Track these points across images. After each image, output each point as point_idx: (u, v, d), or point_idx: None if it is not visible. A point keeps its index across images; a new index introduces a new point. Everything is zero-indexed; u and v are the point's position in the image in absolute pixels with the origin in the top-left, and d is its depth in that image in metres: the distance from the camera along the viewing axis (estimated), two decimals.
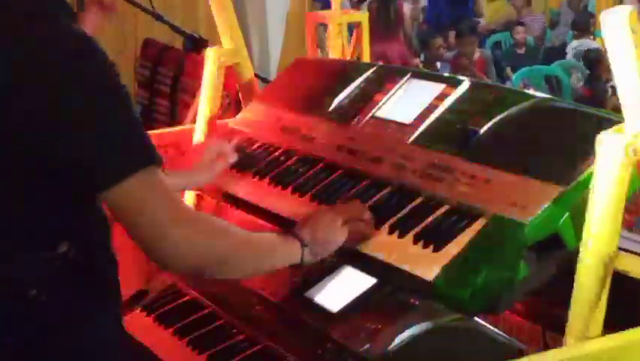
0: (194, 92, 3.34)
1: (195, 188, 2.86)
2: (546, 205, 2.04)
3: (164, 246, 1.92)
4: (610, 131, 1.88)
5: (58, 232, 1.96)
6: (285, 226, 2.37)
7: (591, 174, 1.92)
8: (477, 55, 10.08)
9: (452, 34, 10.68)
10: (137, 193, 1.88)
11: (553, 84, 9.28)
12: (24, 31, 1.93)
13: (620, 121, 1.91)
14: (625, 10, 1.85)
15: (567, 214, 2.02)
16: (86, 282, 2.01)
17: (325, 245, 2.24)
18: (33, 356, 2.03)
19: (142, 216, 1.89)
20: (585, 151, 1.96)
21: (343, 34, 3.60)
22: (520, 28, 11.25)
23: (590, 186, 1.91)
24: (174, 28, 3.22)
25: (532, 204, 2.06)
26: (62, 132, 1.87)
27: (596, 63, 8.91)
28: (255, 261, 2.24)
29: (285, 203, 2.56)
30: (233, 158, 2.79)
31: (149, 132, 3.41)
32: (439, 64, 9.71)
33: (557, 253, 2.05)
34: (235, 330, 2.55)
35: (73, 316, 2.02)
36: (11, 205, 1.94)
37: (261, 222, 2.59)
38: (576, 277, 1.89)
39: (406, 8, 11.70)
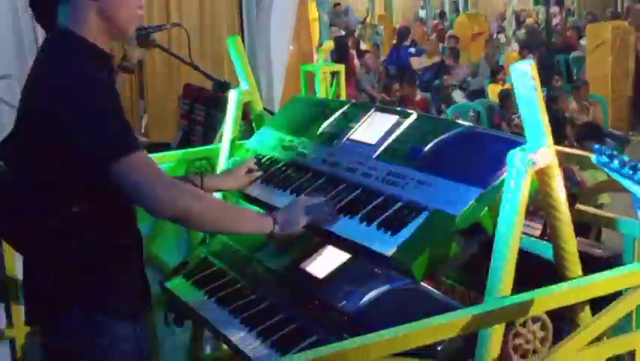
0: (218, 122, 3.32)
1: (225, 188, 2.80)
2: (471, 202, 2.05)
3: (152, 201, 1.95)
4: (517, 149, 1.89)
5: (76, 196, 2.00)
6: None
7: (504, 179, 1.93)
8: (419, 96, 10.12)
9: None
10: (129, 166, 1.91)
11: (476, 116, 9.33)
12: (52, 69, 1.99)
13: (523, 142, 1.92)
14: (529, 63, 1.87)
15: (486, 209, 2.03)
16: (94, 233, 2.03)
17: (290, 225, 2.26)
18: (55, 275, 2.06)
19: (134, 182, 1.92)
20: (499, 163, 1.98)
21: (327, 79, 3.60)
22: (446, 77, 11.28)
23: (503, 188, 1.92)
24: (206, 75, 3.20)
25: (461, 201, 2.07)
26: (76, 131, 1.93)
27: (505, 100, 9.00)
28: (228, 222, 2.27)
29: (284, 200, 2.56)
30: (258, 174, 2.77)
31: (188, 150, 3.42)
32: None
33: (479, 236, 2.06)
34: (249, 291, 2.56)
35: (84, 253, 2.05)
36: (48, 176, 2.01)
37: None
38: (493, 253, 1.90)
39: (370, 62, 11.70)
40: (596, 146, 1.76)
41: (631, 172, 1.62)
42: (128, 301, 2.16)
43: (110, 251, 2.09)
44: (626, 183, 1.69)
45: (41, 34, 4.12)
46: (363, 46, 12.91)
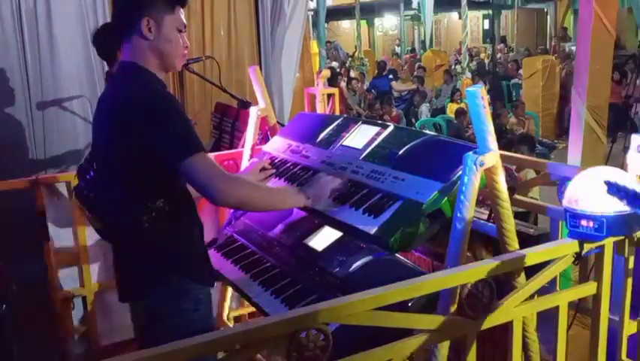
0: (243, 131, 3.32)
1: None
2: (434, 193, 2.05)
3: (215, 193, 1.92)
4: (470, 153, 1.89)
5: (157, 194, 1.99)
6: None
7: (459, 176, 1.94)
8: (394, 112, 10.10)
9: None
10: (195, 167, 1.89)
11: (439, 128, 9.32)
12: (125, 90, 1.99)
13: (475, 147, 1.92)
14: (479, 87, 1.88)
15: (446, 198, 2.04)
16: (175, 220, 2.04)
17: (318, 198, 2.26)
18: (147, 257, 2.05)
19: (200, 177, 1.90)
20: (456, 163, 1.98)
21: (325, 100, 3.60)
22: (416, 98, 11.31)
23: (459, 182, 1.93)
24: (232, 96, 3.22)
25: (427, 192, 2.07)
26: (156, 137, 1.92)
27: (461, 115, 9.00)
28: (274, 201, 2.25)
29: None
30: (271, 172, 2.76)
31: (219, 153, 3.41)
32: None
33: (440, 219, 2.06)
34: (265, 261, 2.56)
35: (172, 236, 2.05)
36: (133, 178, 2.00)
37: None
38: (451, 232, 1.91)
39: (356, 87, 11.69)
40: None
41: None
42: (202, 271, 2.17)
43: (184, 235, 2.09)
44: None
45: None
46: (353, 74, 12.88)
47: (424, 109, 10.86)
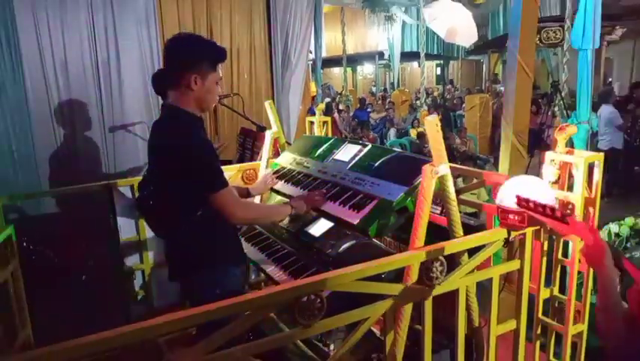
0: (260, 148, 3.31)
1: (258, 192, 2.83)
2: (401, 194, 2.05)
3: (231, 216, 1.95)
4: (428, 164, 1.88)
5: (197, 208, 1.96)
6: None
7: (420, 181, 1.92)
8: (371, 135, 10.07)
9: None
10: (219, 199, 1.91)
11: (404, 146, 9.28)
12: (172, 137, 1.95)
13: (431, 161, 1.91)
14: (434, 117, 1.87)
15: (410, 198, 2.03)
16: (211, 222, 1.98)
17: (299, 208, 2.26)
18: (194, 252, 2.03)
19: (222, 207, 1.92)
20: (418, 172, 1.96)
21: (321, 126, 3.59)
22: (387, 125, 11.29)
23: (419, 186, 1.92)
24: (252, 122, 3.20)
25: (396, 193, 2.07)
26: (193, 173, 1.90)
27: (421, 138, 8.96)
28: (271, 216, 2.32)
29: (296, 192, 2.55)
30: (274, 182, 2.78)
31: (243, 164, 3.39)
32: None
33: (406, 213, 2.05)
34: (277, 244, 2.55)
35: (210, 233, 2.02)
36: (177, 197, 1.97)
37: (286, 200, 2.57)
38: (414, 222, 1.89)
39: (344, 116, 11.69)
40: (518, 195, 1.63)
41: (540, 209, 1.52)
42: (237, 255, 2.16)
43: (219, 233, 2.05)
44: (538, 216, 1.55)
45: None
46: (341, 107, 12.86)
47: (392, 132, 10.84)
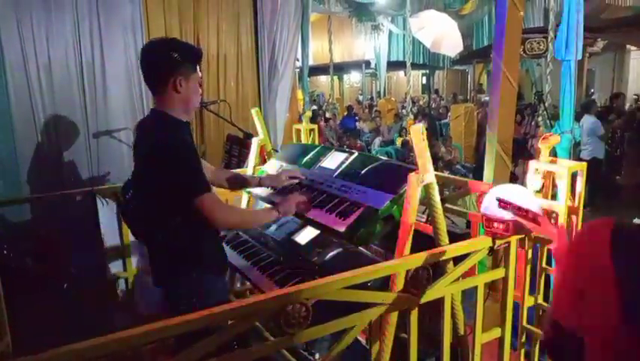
0: (246, 155, 3.29)
1: (270, 184, 2.64)
2: (387, 202, 2.04)
3: (213, 220, 1.89)
4: (413, 173, 1.89)
5: (178, 212, 1.92)
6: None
7: (406, 189, 1.93)
8: (359, 143, 10.08)
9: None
10: (201, 202, 1.85)
11: (390, 155, 9.32)
12: (156, 137, 1.92)
13: (416, 169, 1.92)
14: (420, 125, 1.88)
15: (396, 206, 2.03)
16: (194, 228, 1.95)
17: (286, 212, 2.18)
18: (176, 254, 1.99)
19: (205, 211, 1.86)
20: (403, 180, 1.97)
21: (307, 133, 3.58)
22: (372, 134, 11.35)
23: (405, 194, 1.92)
24: (239, 129, 3.18)
25: (382, 201, 2.06)
26: (176, 176, 1.87)
27: (406, 146, 9.02)
28: (255, 221, 2.26)
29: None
30: (294, 181, 2.61)
31: (233, 170, 3.36)
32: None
33: (392, 221, 2.05)
34: (262, 251, 2.52)
35: (191, 239, 1.97)
36: (159, 201, 1.93)
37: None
38: (399, 230, 1.89)
39: (331, 124, 11.73)
40: (499, 198, 1.81)
41: (518, 211, 1.72)
42: (219, 263, 2.10)
43: (199, 240, 2.00)
44: (519, 219, 1.77)
45: (146, 101, 4.12)
46: (328, 115, 12.89)
47: (377, 141, 10.87)
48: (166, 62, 1.91)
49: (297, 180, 2.58)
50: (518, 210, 1.69)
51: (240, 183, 2.56)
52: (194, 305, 1.89)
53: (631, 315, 0.93)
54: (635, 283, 0.94)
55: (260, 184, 2.60)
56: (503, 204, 1.73)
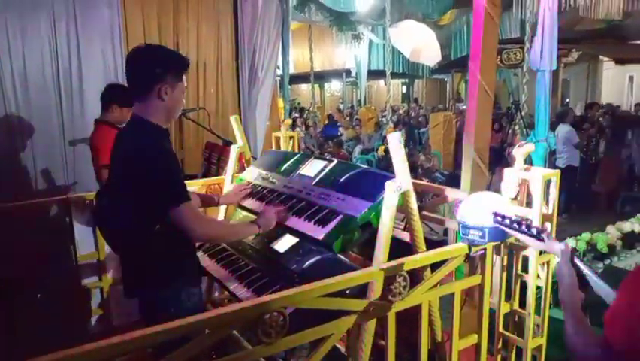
0: (226, 162, 3.27)
1: (229, 202, 2.80)
2: (365, 210, 2.05)
3: (192, 233, 1.87)
4: (391, 180, 1.90)
5: (155, 222, 1.89)
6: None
7: (383, 197, 1.94)
8: (342, 152, 10.10)
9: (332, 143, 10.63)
10: (179, 213, 1.83)
11: (370, 163, 9.36)
12: (136, 144, 1.89)
13: (394, 177, 1.93)
14: (398, 134, 1.89)
15: (374, 213, 2.04)
16: (169, 238, 1.90)
17: (267, 226, 2.20)
18: (149, 268, 1.96)
19: (182, 222, 1.84)
20: (381, 188, 1.98)
21: (287, 141, 3.58)
22: (353, 142, 11.41)
23: (383, 202, 1.93)
24: (218, 137, 3.17)
25: (360, 209, 2.07)
26: (155, 185, 1.84)
27: (387, 154, 9.05)
28: (235, 235, 2.25)
29: (260, 207, 2.52)
30: (247, 191, 2.74)
31: (208, 178, 3.34)
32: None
33: (370, 228, 2.05)
34: (241, 260, 2.50)
35: (167, 250, 1.94)
36: (137, 209, 1.89)
37: (250, 215, 2.54)
38: (377, 238, 1.90)
39: (312, 132, 11.75)
40: (495, 212, 1.74)
41: (516, 225, 1.63)
42: (194, 275, 2.07)
43: (176, 251, 1.97)
44: (513, 233, 1.66)
45: None
46: (309, 123, 12.92)
47: (357, 149, 10.92)
48: (154, 69, 1.90)
49: (248, 190, 2.69)
50: (517, 225, 1.62)
51: (205, 204, 2.64)
52: (172, 315, 1.87)
53: None
54: None
55: (218, 203, 2.67)
56: (499, 218, 1.67)
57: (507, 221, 1.64)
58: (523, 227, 1.58)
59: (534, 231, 1.55)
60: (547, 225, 2.15)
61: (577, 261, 1.42)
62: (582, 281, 1.41)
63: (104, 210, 2.08)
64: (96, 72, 4.10)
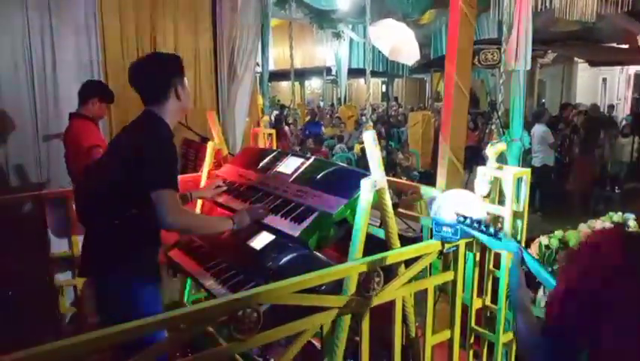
0: (203, 159, 3.25)
1: (204, 198, 2.79)
2: (341, 207, 2.07)
3: (168, 220, 1.89)
4: (367, 178, 1.92)
5: (132, 207, 1.94)
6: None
7: (359, 194, 1.95)
8: (323, 148, 10.09)
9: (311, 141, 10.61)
10: (161, 196, 1.87)
11: (350, 160, 9.38)
12: (146, 132, 2.00)
13: (370, 174, 1.95)
14: (372, 132, 1.91)
15: (349, 210, 2.05)
16: (140, 225, 1.97)
17: (242, 223, 2.21)
18: (111, 246, 1.99)
19: (161, 206, 1.87)
20: (357, 185, 1.99)
21: (265, 138, 3.58)
22: (335, 140, 11.42)
23: (359, 199, 1.94)
24: (195, 133, 3.16)
25: (336, 206, 2.08)
26: (148, 166, 1.91)
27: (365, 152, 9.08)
28: (208, 229, 2.23)
29: (238, 205, 2.52)
30: (222, 189, 2.74)
31: (184, 175, 3.32)
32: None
33: (345, 225, 2.07)
34: (217, 257, 2.49)
35: (137, 238, 2.00)
36: (120, 189, 1.96)
37: (227, 213, 2.53)
38: (352, 234, 1.91)
39: (292, 129, 11.72)
40: (457, 213, 1.84)
41: (476, 225, 1.73)
42: (151, 272, 2.09)
43: (144, 239, 2.03)
44: (474, 233, 1.75)
45: None
46: (290, 120, 12.90)
47: (338, 147, 10.94)
48: (167, 78, 2.06)
49: (224, 188, 2.72)
50: (477, 225, 1.70)
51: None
52: (123, 306, 1.95)
53: None
54: None
55: (191, 197, 2.68)
56: (461, 218, 1.76)
57: (468, 221, 1.74)
58: (482, 227, 1.69)
59: (492, 231, 1.66)
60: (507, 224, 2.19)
61: (528, 260, 1.51)
62: (534, 281, 1.50)
63: (89, 181, 2.13)
64: (71, 66, 4.02)
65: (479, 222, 1.70)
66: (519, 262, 1.50)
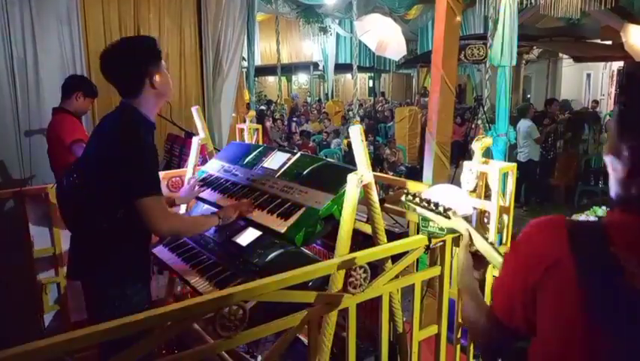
0: (188, 155, 3.22)
1: (186, 200, 2.73)
2: (328, 202, 2.05)
3: (156, 228, 1.88)
4: (353, 173, 1.91)
5: (119, 209, 1.88)
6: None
7: (346, 189, 1.94)
8: (311, 144, 10.08)
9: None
10: (146, 205, 1.84)
11: (337, 156, 9.38)
12: (121, 132, 1.90)
13: (356, 169, 1.94)
14: (359, 127, 1.90)
15: (336, 206, 2.04)
16: (129, 227, 1.91)
17: (227, 219, 2.21)
18: (98, 249, 1.96)
19: (147, 215, 1.84)
20: (344, 181, 1.97)
21: (251, 133, 3.55)
22: (332, 135, 11.40)
23: (345, 195, 1.94)
24: (180, 128, 3.12)
25: (323, 202, 2.07)
26: (127, 175, 1.85)
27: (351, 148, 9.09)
28: (197, 229, 2.21)
29: (223, 201, 2.50)
30: (200, 190, 2.69)
31: (169, 171, 3.29)
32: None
33: (332, 221, 2.06)
34: (202, 254, 2.47)
35: (126, 240, 1.95)
36: (105, 192, 1.89)
37: (213, 208, 2.51)
38: (339, 230, 1.90)
39: (279, 125, 11.69)
40: (406, 191, 1.85)
41: (425, 204, 1.75)
42: (141, 272, 2.06)
43: (131, 241, 1.98)
44: (423, 211, 1.78)
45: None
46: (277, 115, 12.86)
47: (334, 143, 10.92)
48: (139, 65, 1.91)
49: (202, 190, 2.67)
50: (427, 203, 1.75)
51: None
52: (113, 308, 1.90)
53: (592, 313, 0.91)
54: (594, 277, 0.92)
55: (174, 204, 2.64)
56: (410, 197, 1.81)
57: (417, 200, 1.77)
58: (432, 205, 1.72)
59: (441, 209, 1.70)
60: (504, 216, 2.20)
61: (477, 240, 1.55)
62: (483, 261, 1.54)
63: (70, 186, 2.04)
64: (53, 60, 3.96)
65: (428, 201, 1.73)
66: (466, 245, 1.53)
